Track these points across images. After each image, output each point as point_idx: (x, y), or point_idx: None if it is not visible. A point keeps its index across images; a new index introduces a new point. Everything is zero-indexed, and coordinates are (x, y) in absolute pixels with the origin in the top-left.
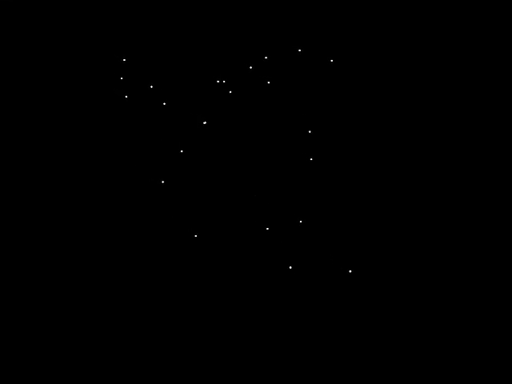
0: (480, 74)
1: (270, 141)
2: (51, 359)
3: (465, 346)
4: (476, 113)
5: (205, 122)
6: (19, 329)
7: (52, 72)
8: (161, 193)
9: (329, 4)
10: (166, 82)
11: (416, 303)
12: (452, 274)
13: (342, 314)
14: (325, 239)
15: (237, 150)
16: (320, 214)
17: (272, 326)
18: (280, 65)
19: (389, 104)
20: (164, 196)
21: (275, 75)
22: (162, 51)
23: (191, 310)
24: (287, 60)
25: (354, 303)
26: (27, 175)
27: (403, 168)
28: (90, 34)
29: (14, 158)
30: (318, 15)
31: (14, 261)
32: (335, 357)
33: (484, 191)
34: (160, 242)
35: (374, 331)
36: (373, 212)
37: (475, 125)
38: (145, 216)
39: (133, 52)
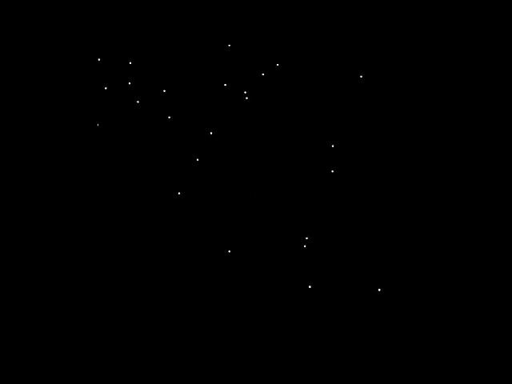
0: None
1: (279, 146)
2: (51, 359)
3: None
4: (489, 122)
5: (217, 131)
6: (19, 329)
7: (57, 75)
8: (177, 203)
9: (341, 12)
10: (177, 90)
11: (443, 323)
12: (476, 287)
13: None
14: (349, 256)
15: (248, 158)
16: (341, 230)
17: (288, 346)
18: (292, 72)
19: (403, 110)
20: (180, 206)
21: (287, 82)
22: (175, 60)
23: (200, 323)
24: (299, 67)
25: (374, 324)
26: (45, 191)
27: (426, 182)
28: (107, 40)
29: (28, 168)
30: (331, 23)
31: (26, 263)
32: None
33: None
34: (176, 253)
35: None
36: (398, 227)
37: (487, 132)
38: (159, 224)
39: (147, 60)
